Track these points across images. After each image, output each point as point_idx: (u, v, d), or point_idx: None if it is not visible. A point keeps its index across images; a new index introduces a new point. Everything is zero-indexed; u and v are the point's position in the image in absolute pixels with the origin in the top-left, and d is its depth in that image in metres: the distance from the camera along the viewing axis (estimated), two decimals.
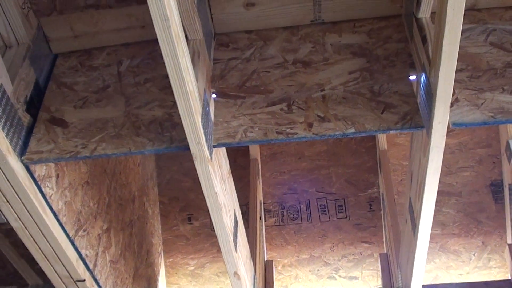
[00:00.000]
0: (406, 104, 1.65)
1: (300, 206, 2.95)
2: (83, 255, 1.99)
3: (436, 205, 2.92)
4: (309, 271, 3.02)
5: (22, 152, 1.66)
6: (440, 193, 2.91)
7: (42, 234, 1.83)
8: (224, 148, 1.87)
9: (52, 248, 1.88)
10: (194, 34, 1.69)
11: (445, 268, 2.97)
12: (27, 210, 1.75)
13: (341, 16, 1.86)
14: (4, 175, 1.64)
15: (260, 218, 2.77)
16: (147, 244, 2.66)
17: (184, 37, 1.44)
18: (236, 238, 1.98)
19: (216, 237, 2.73)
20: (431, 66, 1.53)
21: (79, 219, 1.97)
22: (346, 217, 2.97)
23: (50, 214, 1.81)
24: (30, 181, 1.70)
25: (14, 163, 1.63)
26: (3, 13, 1.71)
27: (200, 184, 2.44)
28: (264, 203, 2.94)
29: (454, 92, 1.67)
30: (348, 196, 2.96)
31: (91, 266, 2.04)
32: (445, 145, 2.85)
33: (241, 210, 2.88)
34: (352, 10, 1.85)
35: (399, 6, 1.84)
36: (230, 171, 1.96)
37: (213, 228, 2.58)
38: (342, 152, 2.96)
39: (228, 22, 1.87)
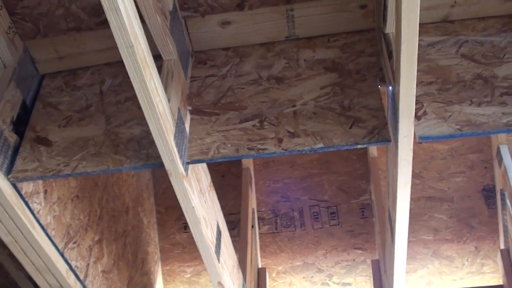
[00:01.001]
0: (375, 118, 1.69)
1: (293, 214, 3.00)
2: (73, 266, 2.06)
3: (428, 211, 2.97)
4: (303, 277, 3.07)
5: (8, 171, 1.74)
6: (432, 199, 2.94)
7: (32, 247, 1.90)
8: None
9: (42, 260, 1.95)
10: (168, 55, 1.75)
11: (438, 274, 2.99)
12: (16, 225, 1.82)
13: (315, 31, 1.91)
14: None
15: (252, 227, 2.82)
16: (142, 253, 2.73)
17: (152, 61, 1.50)
18: (219, 249, 2.04)
19: None
20: (395, 81, 1.58)
21: (68, 232, 2.04)
22: (338, 224, 3.01)
23: (39, 229, 1.88)
24: (17, 198, 1.77)
25: (1, 181, 1.70)
26: None
27: None
28: (258, 211, 2.99)
29: (422, 105, 1.71)
30: (341, 203, 3.00)
31: (81, 277, 2.11)
32: (437, 151, 2.91)
33: (235, 219, 2.95)
34: (326, 25, 1.89)
35: (372, 20, 1.88)
36: (211, 184, 2.01)
37: None
38: (334, 160, 3.00)
39: (205, 41, 1.93)
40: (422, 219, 2.95)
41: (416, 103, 1.70)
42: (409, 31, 1.38)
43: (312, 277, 3.05)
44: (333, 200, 3.00)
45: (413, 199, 2.92)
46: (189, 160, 1.69)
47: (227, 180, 2.94)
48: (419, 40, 1.85)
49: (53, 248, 1.95)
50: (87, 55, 1.94)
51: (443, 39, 1.85)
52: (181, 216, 3.03)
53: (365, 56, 1.85)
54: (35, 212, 1.84)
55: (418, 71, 1.77)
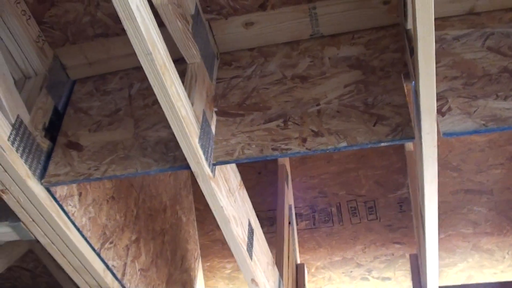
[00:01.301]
0: (399, 115, 1.68)
1: (331, 209, 2.99)
2: (110, 265, 2.12)
3: (467, 204, 2.92)
4: (342, 272, 3.06)
5: (42, 176, 1.80)
6: (471, 191, 2.89)
7: (69, 248, 1.97)
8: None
9: (79, 261, 2.02)
10: (192, 58, 1.77)
11: (478, 267, 2.94)
12: (52, 228, 1.89)
13: (340, 28, 1.90)
14: (27, 197, 1.79)
15: (289, 223, 2.83)
16: (181, 250, 2.78)
17: (172, 66, 1.53)
18: (252, 247, 2.06)
19: None
20: (416, 78, 1.56)
21: (104, 232, 2.10)
22: (376, 219, 2.99)
23: (74, 230, 1.94)
24: (51, 201, 1.83)
25: (34, 186, 1.77)
26: (20, 48, 1.85)
27: None
28: (295, 207, 3.00)
29: (447, 101, 1.68)
30: (378, 198, 2.98)
31: (119, 276, 2.17)
32: (475, 143, 2.86)
33: (273, 215, 2.96)
34: (349, 22, 1.89)
35: (396, 15, 1.86)
36: (241, 183, 2.03)
37: None
38: (370, 154, 2.98)
39: (230, 42, 1.95)
40: (461, 212, 2.90)
41: (440, 99, 1.69)
42: (424, 28, 1.37)
43: (351, 272, 3.05)
44: (370, 194, 2.98)
45: (451, 192, 2.88)
46: (214, 162, 1.71)
47: (264, 177, 2.96)
48: (444, 34, 1.84)
49: (89, 248, 2.01)
50: (115, 60, 1.99)
51: (469, 32, 1.81)
52: None
53: (390, 52, 1.83)
54: (70, 214, 1.90)
55: (442, 66, 1.76)
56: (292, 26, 1.90)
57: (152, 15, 1.45)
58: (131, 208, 2.32)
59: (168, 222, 2.66)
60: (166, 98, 1.52)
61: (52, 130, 1.89)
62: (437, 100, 1.70)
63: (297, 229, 3.01)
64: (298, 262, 2.99)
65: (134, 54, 1.98)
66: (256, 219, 2.18)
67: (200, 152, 1.66)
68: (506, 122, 1.61)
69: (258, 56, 1.93)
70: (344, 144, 1.66)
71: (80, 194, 1.98)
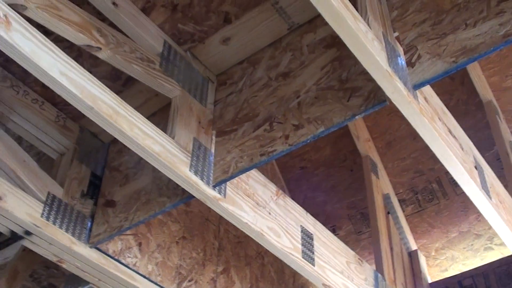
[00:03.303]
0: (371, 81, 1.57)
1: (432, 186, 2.78)
2: None
3: None
4: (463, 248, 2.81)
5: (88, 238, 1.94)
6: None
7: None
8: (257, 174, 1.94)
9: None
10: (170, 93, 1.82)
11: None
12: (118, 282, 2.02)
13: (313, 12, 1.83)
14: (81, 261, 1.95)
15: (388, 213, 2.70)
16: (290, 268, 2.75)
17: (130, 109, 1.60)
18: (312, 252, 2.01)
19: (364, 240, 2.74)
20: None
21: (179, 272, 2.19)
22: None
23: (141, 279, 2.05)
24: (106, 259, 1.97)
25: (82, 249, 1.92)
26: (43, 132, 2.04)
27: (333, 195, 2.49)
28: (396, 194, 2.84)
29: (416, 50, 1.55)
30: None
31: None
32: None
33: None
34: None
35: None
36: (279, 192, 2.00)
37: (359, 232, 2.61)
38: (454, 117, 2.72)
39: (220, 62, 1.96)
40: None
41: (409, 50, 1.58)
42: None
43: (472, 245, 2.80)
44: None
45: None
46: (214, 183, 1.73)
47: (356, 173, 2.84)
48: None
49: None
50: None
51: None
52: (325, 221, 3.00)
53: None
54: (130, 266, 2.02)
55: (411, 13, 1.64)
56: (266, 27, 1.87)
57: (86, 72, 1.53)
58: (211, 241, 2.39)
59: None
60: (129, 141, 1.59)
61: (94, 194, 2.04)
62: (406, 51, 1.58)
63: (405, 216, 2.84)
64: (413, 249, 2.82)
65: (144, 103, 2.10)
66: (316, 222, 2.12)
67: (195, 178, 1.69)
68: (475, 51, 1.45)
69: (247, 67, 1.92)
70: (322, 129, 1.59)
71: (139, 244, 2.09)
